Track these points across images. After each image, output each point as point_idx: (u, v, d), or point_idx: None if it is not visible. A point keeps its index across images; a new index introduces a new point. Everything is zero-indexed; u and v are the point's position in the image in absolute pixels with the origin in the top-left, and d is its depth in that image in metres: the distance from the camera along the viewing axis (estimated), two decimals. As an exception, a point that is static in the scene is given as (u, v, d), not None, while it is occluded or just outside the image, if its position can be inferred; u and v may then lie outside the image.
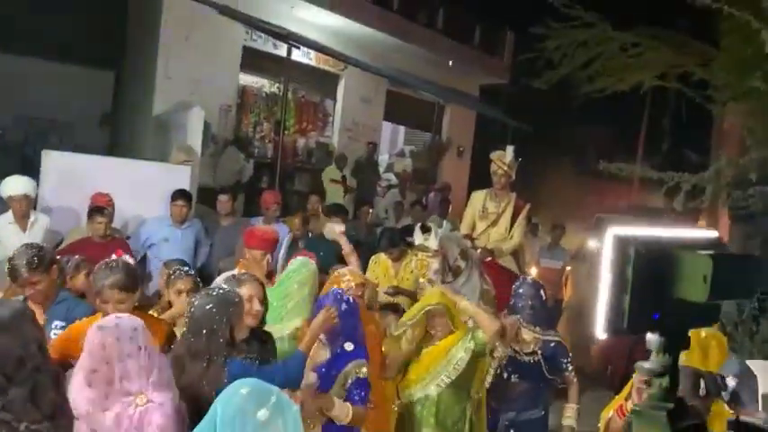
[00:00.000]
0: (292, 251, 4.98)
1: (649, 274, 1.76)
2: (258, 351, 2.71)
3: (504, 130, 13.62)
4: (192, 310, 2.47)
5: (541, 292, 3.78)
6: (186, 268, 3.67)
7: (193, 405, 2.22)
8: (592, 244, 8.47)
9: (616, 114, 14.23)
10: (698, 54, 6.90)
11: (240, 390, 1.76)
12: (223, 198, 5.86)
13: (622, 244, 1.80)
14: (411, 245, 6.59)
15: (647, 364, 1.81)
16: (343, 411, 2.80)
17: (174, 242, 5.29)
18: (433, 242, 4.46)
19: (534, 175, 11.88)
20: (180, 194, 5.49)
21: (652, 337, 1.80)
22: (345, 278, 3.52)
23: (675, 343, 1.83)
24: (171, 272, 3.58)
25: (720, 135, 8.44)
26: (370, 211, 7.65)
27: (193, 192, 6.20)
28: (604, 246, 1.85)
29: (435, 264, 4.27)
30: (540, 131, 13.95)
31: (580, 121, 15.74)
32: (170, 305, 3.53)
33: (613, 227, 1.79)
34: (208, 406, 1.81)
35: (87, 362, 2.01)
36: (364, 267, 5.17)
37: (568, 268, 8.66)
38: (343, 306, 3.03)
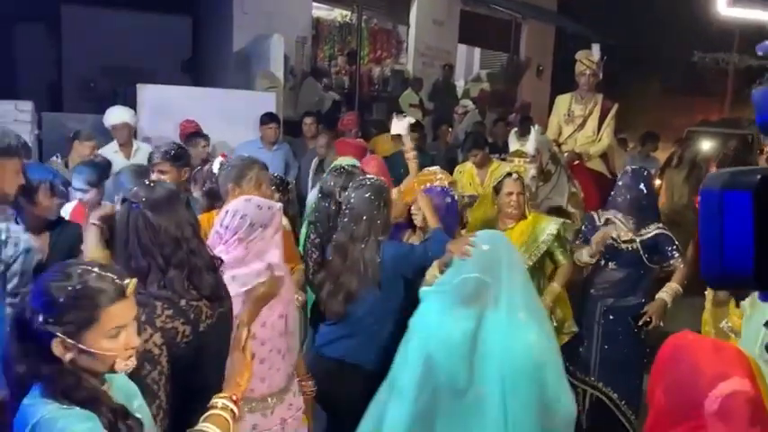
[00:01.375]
0: (318, 173, 5.05)
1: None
2: None
3: (586, 46, 13.04)
4: (351, 201, 2.69)
5: (642, 184, 3.58)
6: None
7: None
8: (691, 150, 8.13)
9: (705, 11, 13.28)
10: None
11: None
12: (308, 120, 5.99)
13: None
14: (496, 151, 6.58)
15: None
16: None
17: (268, 164, 5.45)
18: (531, 146, 4.31)
19: (621, 91, 11.40)
20: (269, 117, 5.67)
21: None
22: (438, 177, 3.55)
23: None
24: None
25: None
26: (450, 130, 7.59)
27: (280, 118, 6.38)
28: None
29: (532, 169, 4.20)
30: (625, 46, 13.31)
31: (667, 38, 14.86)
32: None
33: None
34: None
35: (231, 228, 2.15)
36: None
37: (657, 182, 8.39)
38: (447, 199, 3.10)
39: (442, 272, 2.62)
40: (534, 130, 4.35)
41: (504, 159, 6.94)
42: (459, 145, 8.28)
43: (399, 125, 3.87)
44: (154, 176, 3.12)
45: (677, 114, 15.69)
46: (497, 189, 3.52)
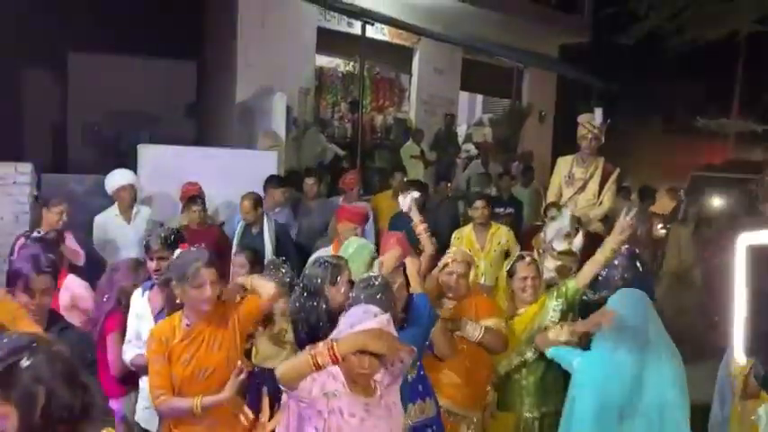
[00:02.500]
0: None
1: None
2: None
3: (587, 91, 13.14)
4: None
5: (637, 262, 3.64)
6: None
7: None
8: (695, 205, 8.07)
9: (706, 67, 13.41)
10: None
11: None
12: (309, 181, 5.98)
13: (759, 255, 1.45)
14: (497, 215, 6.54)
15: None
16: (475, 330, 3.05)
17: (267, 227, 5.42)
18: (577, 245, 4.21)
19: (622, 135, 11.42)
20: (277, 180, 5.65)
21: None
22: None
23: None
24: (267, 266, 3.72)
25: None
26: (449, 185, 7.60)
27: (281, 175, 6.38)
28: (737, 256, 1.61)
29: (574, 266, 4.09)
30: (625, 90, 13.39)
31: (668, 77, 14.98)
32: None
33: (745, 236, 1.51)
34: None
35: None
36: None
37: (662, 232, 8.33)
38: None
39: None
40: (571, 222, 4.29)
41: (508, 215, 6.99)
42: (462, 196, 8.29)
43: (406, 202, 3.86)
44: (153, 264, 3.09)
45: (680, 154, 15.69)
46: (510, 273, 3.44)
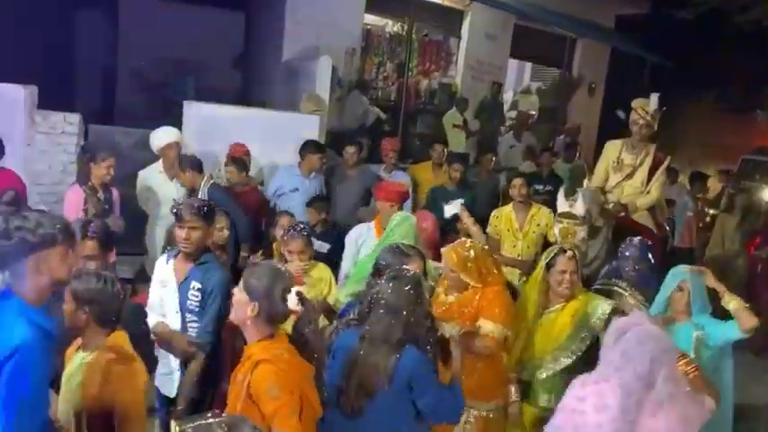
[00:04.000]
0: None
1: None
2: None
3: (641, 65, 12.69)
4: (389, 292, 2.53)
5: (649, 254, 3.67)
6: (301, 227, 3.81)
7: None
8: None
9: (766, 48, 12.74)
10: None
11: None
12: (351, 150, 5.93)
13: None
14: (536, 192, 6.45)
15: None
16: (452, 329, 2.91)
17: (303, 192, 5.45)
18: (580, 209, 4.12)
19: (674, 113, 11.02)
20: (311, 146, 5.60)
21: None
22: (467, 246, 3.34)
23: None
24: (286, 230, 3.81)
25: None
26: (493, 158, 7.47)
27: (321, 140, 6.36)
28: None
29: (582, 232, 4.05)
30: (681, 66, 12.86)
31: (725, 56, 14.34)
32: (283, 259, 3.75)
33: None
34: None
35: None
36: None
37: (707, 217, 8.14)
38: None
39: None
40: (582, 192, 4.18)
41: (547, 193, 6.86)
42: (502, 169, 8.17)
43: (451, 208, 3.87)
44: (183, 233, 3.07)
45: (733, 135, 15.15)
46: (549, 265, 3.37)
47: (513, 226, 5.07)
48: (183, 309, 3.14)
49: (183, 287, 3.14)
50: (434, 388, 2.53)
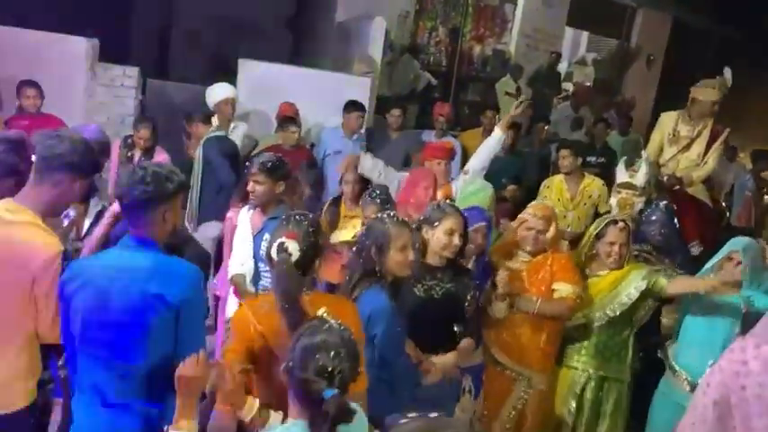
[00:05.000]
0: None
1: None
2: (450, 279, 2.86)
3: (704, 37, 12.19)
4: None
5: (675, 219, 3.64)
6: (377, 192, 3.67)
7: None
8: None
9: None
10: None
11: None
12: (396, 113, 5.92)
13: None
14: (588, 165, 6.33)
15: None
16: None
17: (345, 154, 5.48)
18: (641, 179, 4.01)
19: (740, 90, 10.62)
20: (353, 106, 5.61)
21: None
22: (527, 212, 3.32)
23: None
24: (364, 196, 3.74)
25: None
26: (546, 127, 7.34)
27: (372, 103, 6.37)
28: None
29: (640, 204, 3.95)
30: (750, 40, 12.31)
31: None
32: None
33: None
34: None
35: None
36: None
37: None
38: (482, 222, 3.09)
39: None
40: (644, 161, 4.06)
41: (600, 165, 6.73)
42: (555, 140, 8.03)
43: None
44: (249, 186, 3.19)
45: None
46: (599, 235, 3.33)
47: (565, 196, 5.01)
48: (257, 258, 3.25)
49: (257, 238, 3.27)
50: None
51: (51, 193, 2.21)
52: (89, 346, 2.10)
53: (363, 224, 3.61)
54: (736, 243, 3.10)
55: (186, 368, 1.91)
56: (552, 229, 3.24)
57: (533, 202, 3.51)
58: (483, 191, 3.68)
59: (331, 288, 2.76)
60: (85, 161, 2.27)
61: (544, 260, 3.20)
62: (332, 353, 1.70)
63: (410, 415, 1.45)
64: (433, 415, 1.47)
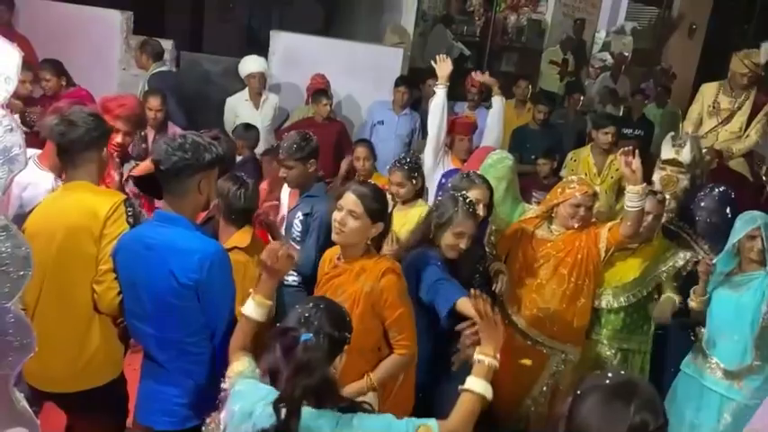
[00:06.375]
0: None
1: None
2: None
3: (749, 6, 11.71)
4: None
5: (728, 209, 3.45)
6: (406, 160, 3.56)
7: None
8: None
9: None
10: None
11: None
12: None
13: None
14: (624, 137, 6.17)
15: None
16: None
17: (389, 126, 5.48)
18: (686, 155, 3.81)
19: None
20: (400, 80, 5.63)
21: None
22: (572, 186, 3.28)
23: None
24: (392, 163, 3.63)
25: None
26: (581, 98, 7.18)
27: (404, 72, 6.30)
28: None
29: (685, 180, 3.79)
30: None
31: None
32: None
33: None
34: None
35: None
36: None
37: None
38: None
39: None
40: (691, 138, 3.94)
41: (636, 137, 6.58)
42: (591, 110, 7.85)
43: None
44: (281, 173, 3.20)
45: None
46: None
47: (592, 171, 4.89)
48: (288, 234, 3.27)
49: (291, 214, 3.30)
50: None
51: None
52: (130, 317, 2.24)
53: (388, 190, 3.63)
54: (753, 219, 2.95)
55: (267, 255, 1.99)
56: (596, 206, 3.25)
57: (573, 178, 3.45)
58: (501, 162, 3.63)
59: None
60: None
61: (578, 231, 3.22)
62: (311, 305, 1.73)
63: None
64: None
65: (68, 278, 2.25)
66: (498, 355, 1.86)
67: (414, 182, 3.48)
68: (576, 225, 3.22)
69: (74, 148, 2.31)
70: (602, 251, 3.18)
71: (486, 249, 3.32)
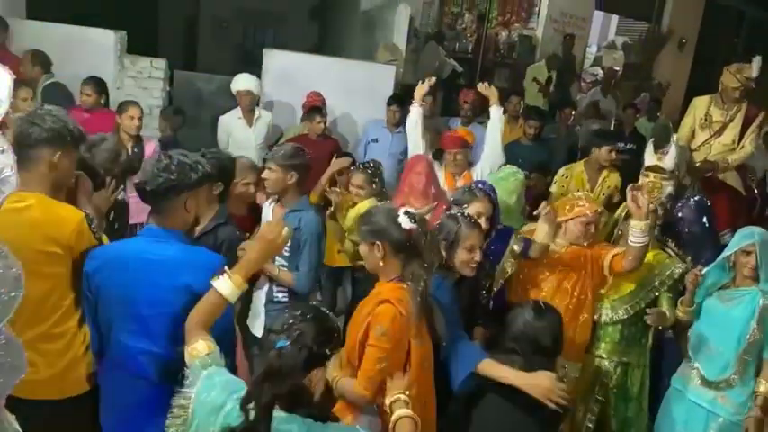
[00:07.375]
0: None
1: None
2: None
3: (738, 19, 11.87)
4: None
5: (705, 218, 3.51)
6: (370, 164, 3.94)
7: None
8: None
9: None
10: None
11: None
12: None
13: None
14: (617, 152, 6.17)
15: None
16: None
17: (383, 144, 5.50)
18: (670, 162, 3.82)
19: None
20: (392, 100, 5.67)
21: None
22: (581, 204, 3.25)
23: None
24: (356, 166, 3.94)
25: None
26: (572, 113, 7.21)
27: (396, 90, 6.33)
28: None
29: (669, 187, 3.79)
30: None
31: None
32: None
33: None
34: None
35: None
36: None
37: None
38: None
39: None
40: (673, 143, 3.96)
41: (629, 151, 6.60)
42: (580, 124, 7.89)
43: None
44: (264, 173, 3.17)
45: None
46: (628, 216, 3.28)
47: (585, 186, 4.88)
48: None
49: None
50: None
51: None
52: (121, 334, 2.15)
53: (351, 191, 3.85)
54: (750, 235, 2.96)
55: (269, 230, 2.01)
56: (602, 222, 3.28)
57: (580, 194, 3.44)
58: (513, 176, 3.64)
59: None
60: None
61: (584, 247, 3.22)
62: (300, 312, 1.69)
63: None
64: None
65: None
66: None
67: (373, 186, 3.83)
68: (585, 243, 3.21)
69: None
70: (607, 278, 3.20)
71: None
